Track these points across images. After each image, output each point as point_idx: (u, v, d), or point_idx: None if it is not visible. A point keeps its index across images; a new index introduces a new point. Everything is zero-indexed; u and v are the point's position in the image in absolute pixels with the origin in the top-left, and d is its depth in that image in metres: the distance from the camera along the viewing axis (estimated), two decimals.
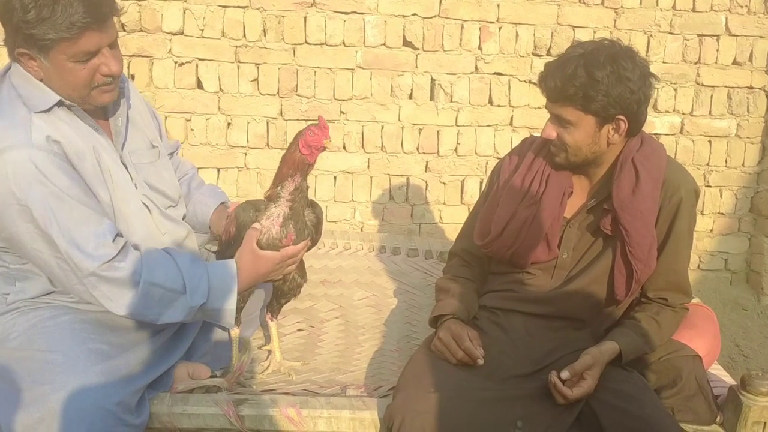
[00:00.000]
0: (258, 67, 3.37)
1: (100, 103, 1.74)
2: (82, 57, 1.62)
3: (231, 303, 1.79)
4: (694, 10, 3.49)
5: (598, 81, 1.72)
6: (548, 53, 3.44)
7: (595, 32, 3.45)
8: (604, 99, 1.73)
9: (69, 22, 1.55)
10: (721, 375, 2.12)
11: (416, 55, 3.42)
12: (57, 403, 1.59)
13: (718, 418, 1.89)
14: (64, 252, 1.61)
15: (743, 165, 3.68)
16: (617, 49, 1.78)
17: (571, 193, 1.90)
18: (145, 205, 1.84)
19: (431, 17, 3.38)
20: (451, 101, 3.48)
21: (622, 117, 1.77)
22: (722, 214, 3.74)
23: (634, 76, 1.74)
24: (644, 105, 1.79)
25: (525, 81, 3.49)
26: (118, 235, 1.69)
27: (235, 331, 1.97)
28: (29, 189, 1.58)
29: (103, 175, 1.74)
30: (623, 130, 1.79)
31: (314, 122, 1.80)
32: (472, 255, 2.09)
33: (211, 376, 1.93)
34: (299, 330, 2.33)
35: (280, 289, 2.01)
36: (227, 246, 1.94)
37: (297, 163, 1.80)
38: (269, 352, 2.09)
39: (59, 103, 1.68)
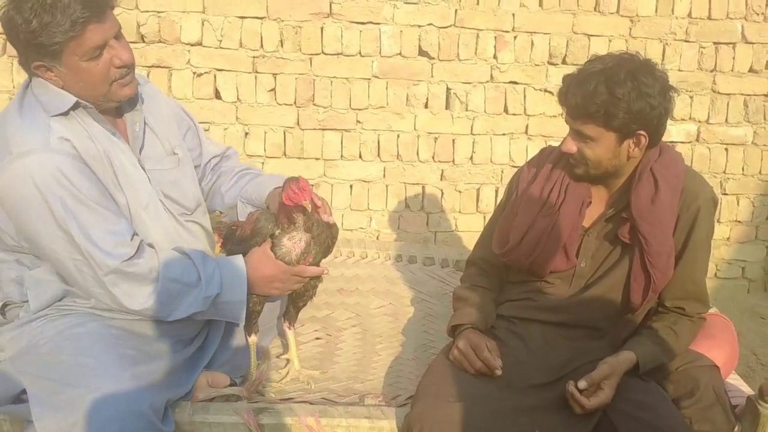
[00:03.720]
0: (275, 77, 3.40)
1: (122, 98, 1.78)
2: (93, 53, 1.68)
3: (242, 294, 1.83)
4: (709, 17, 3.48)
5: (619, 98, 1.72)
6: (563, 62, 3.46)
7: (610, 41, 3.46)
8: (626, 116, 1.74)
9: (70, 21, 1.61)
10: (738, 385, 2.11)
11: (432, 65, 3.44)
12: (91, 405, 1.61)
13: (736, 428, 1.88)
14: (85, 251, 1.66)
15: (760, 173, 3.67)
16: (637, 63, 1.78)
17: (590, 202, 1.91)
18: (164, 206, 1.87)
19: (447, 27, 3.41)
20: (467, 110, 3.50)
21: (642, 132, 1.77)
22: (739, 222, 3.72)
23: (654, 91, 1.74)
24: (664, 118, 1.80)
25: (540, 90, 3.50)
26: (135, 234, 1.74)
27: (252, 339, 1.99)
28: (49, 191, 1.63)
29: (118, 179, 1.77)
30: (643, 144, 1.80)
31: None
32: (490, 264, 2.10)
33: (230, 385, 1.95)
34: (317, 338, 2.35)
35: (294, 291, 2.03)
36: (237, 243, 1.96)
37: (286, 210, 1.82)
38: (287, 360, 2.11)
39: (76, 106, 1.72)
